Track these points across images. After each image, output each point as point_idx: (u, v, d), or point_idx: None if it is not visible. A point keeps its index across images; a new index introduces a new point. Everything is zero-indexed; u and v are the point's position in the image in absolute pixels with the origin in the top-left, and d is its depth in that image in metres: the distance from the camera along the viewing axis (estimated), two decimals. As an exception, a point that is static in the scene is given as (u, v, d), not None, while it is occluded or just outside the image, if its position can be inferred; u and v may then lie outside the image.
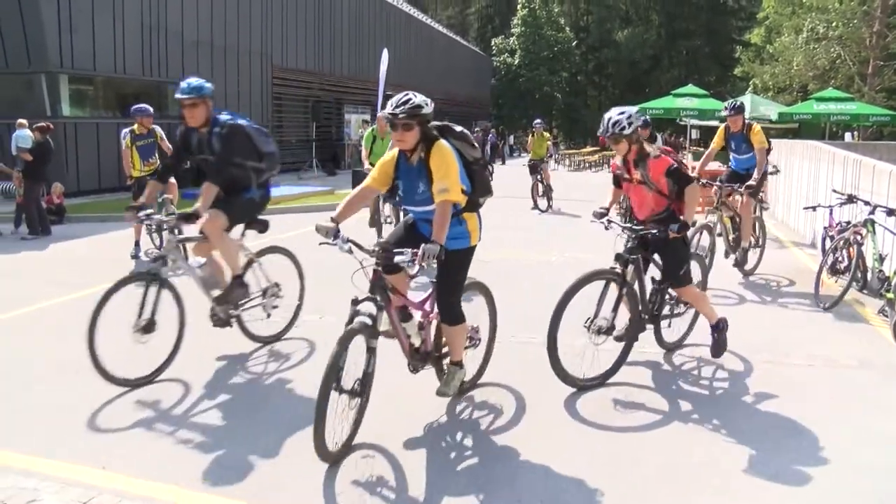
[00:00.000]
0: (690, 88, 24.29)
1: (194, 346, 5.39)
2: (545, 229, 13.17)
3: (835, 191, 8.82)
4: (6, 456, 3.88)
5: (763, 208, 12.45)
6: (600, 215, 5.30)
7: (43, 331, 6.19)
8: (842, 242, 7.88)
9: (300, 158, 25.23)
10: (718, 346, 5.53)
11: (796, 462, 3.91)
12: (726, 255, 8.68)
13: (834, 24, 30.56)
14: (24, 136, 12.14)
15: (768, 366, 5.53)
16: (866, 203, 7.74)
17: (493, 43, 59.00)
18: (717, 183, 8.63)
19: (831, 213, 9.03)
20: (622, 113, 5.05)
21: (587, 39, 60.18)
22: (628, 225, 5.21)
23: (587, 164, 33.51)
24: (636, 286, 5.24)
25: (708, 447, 4.10)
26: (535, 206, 15.60)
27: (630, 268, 5.08)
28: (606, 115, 5.10)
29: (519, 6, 56.32)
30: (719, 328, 5.50)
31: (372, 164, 9.44)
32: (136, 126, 9.92)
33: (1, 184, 13.86)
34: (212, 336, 5.69)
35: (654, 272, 5.49)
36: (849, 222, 8.23)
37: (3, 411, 4.52)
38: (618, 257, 5.06)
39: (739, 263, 8.72)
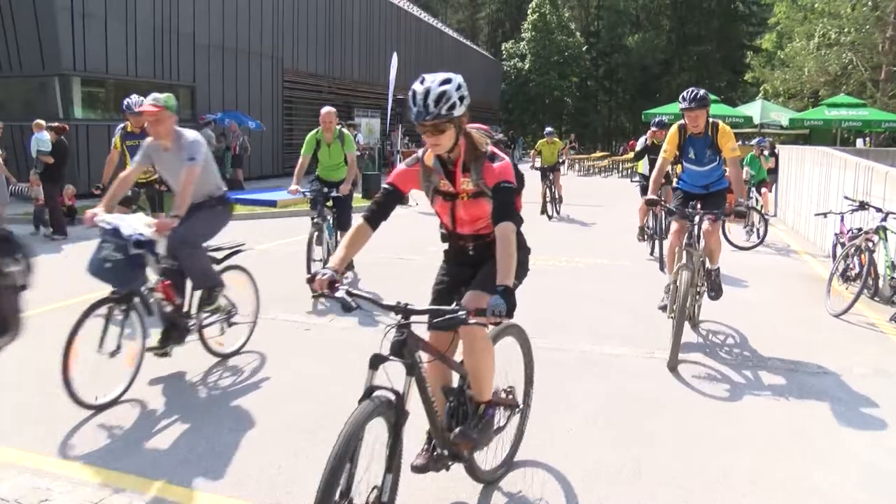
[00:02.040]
0: (701, 94, 24.20)
1: (201, 351, 5.42)
2: (556, 234, 13.16)
3: (847, 197, 8.79)
4: (19, 455, 3.90)
5: (765, 218, 12.38)
6: (330, 283, 2.94)
7: (59, 332, 6.20)
8: (853, 249, 7.86)
9: (310, 162, 25.26)
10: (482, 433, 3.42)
11: (811, 470, 3.90)
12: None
13: (846, 29, 30.45)
14: (44, 139, 12.28)
15: (781, 373, 5.51)
16: (878, 210, 7.72)
17: (503, 47, 59.00)
18: (674, 208, 6.22)
19: (842, 220, 9.00)
20: (447, 82, 3.08)
21: (597, 44, 60.10)
22: (394, 305, 2.92)
23: (597, 170, 33.47)
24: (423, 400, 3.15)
25: (720, 455, 4.08)
26: (544, 212, 15.48)
27: (410, 378, 2.97)
28: (419, 87, 3.06)
29: (529, 11, 56.30)
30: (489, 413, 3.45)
31: (321, 179, 8.41)
32: (129, 123, 8.22)
33: (16, 185, 13.90)
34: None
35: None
36: (860, 229, 8.21)
37: (17, 412, 4.55)
38: (377, 361, 2.87)
39: (711, 290, 6.52)
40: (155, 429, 4.31)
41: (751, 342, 6.33)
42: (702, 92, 6.13)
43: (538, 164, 15.84)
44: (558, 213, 15.86)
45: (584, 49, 57.49)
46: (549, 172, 15.62)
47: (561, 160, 16.69)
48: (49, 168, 12.18)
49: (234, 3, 22.28)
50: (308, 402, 4.75)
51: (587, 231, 13.67)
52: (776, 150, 17.21)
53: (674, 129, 6.40)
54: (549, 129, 16.82)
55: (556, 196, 15.86)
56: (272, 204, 15.47)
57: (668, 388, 5.12)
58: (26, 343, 5.98)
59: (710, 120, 6.27)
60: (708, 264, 6.36)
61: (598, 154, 41.67)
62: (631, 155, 29.50)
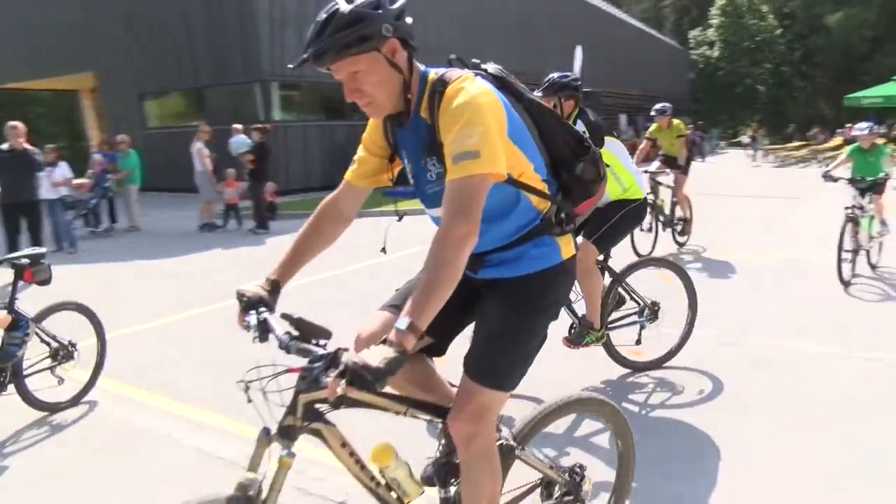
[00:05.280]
0: (918, 73, 21.96)
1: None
2: (747, 223, 12.42)
3: None
4: (157, 399, 4.70)
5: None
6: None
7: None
8: None
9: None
10: None
11: (806, 453, 3.81)
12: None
13: None
14: (242, 141, 13.29)
15: (780, 352, 5.30)
16: None
17: (689, 36, 56.80)
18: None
19: None
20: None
21: (793, 27, 56.20)
22: None
23: (793, 160, 31.57)
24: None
25: (711, 445, 3.95)
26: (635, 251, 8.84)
27: None
28: None
29: (717, -5, 53.92)
30: None
31: None
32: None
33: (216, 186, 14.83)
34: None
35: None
36: None
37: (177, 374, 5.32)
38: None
39: None
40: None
41: (745, 324, 6.15)
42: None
43: (654, 167, 9.89)
44: (680, 243, 9.85)
45: (777, 33, 54.14)
46: (661, 174, 9.89)
47: (679, 162, 9.92)
48: (253, 167, 13.16)
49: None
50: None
51: (784, 222, 12.69)
52: None
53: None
54: (660, 105, 10.23)
55: (673, 214, 9.88)
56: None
57: (663, 376, 4.71)
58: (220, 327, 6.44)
59: (429, 73, 2.29)
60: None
61: (795, 144, 39.09)
62: (834, 143, 27.24)
